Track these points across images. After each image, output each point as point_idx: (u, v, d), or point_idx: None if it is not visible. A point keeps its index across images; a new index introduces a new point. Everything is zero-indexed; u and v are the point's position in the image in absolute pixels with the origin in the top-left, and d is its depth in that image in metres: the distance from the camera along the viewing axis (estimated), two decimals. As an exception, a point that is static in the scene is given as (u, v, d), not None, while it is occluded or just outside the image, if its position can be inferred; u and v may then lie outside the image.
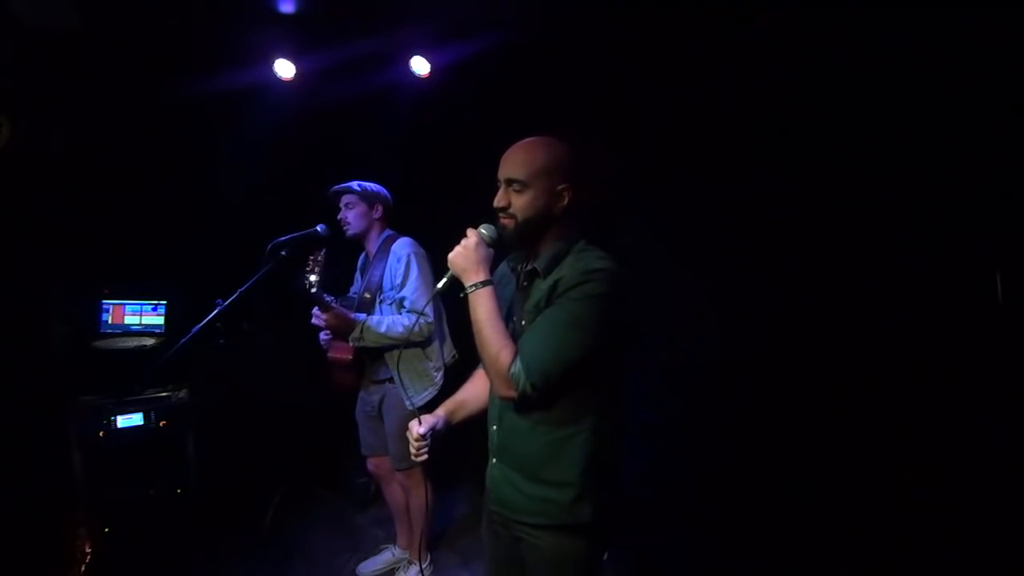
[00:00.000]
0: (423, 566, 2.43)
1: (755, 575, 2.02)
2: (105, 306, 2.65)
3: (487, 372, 1.21)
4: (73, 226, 2.65)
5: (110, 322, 2.65)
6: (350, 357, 2.20)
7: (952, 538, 1.55)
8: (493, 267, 1.34)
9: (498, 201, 1.22)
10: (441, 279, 1.26)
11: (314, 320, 2.13)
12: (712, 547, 2.16)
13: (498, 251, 1.27)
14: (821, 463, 1.85)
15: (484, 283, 1.19)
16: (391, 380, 2.26)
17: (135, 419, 2.47)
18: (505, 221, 1.22)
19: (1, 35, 2.30)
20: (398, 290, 2.19)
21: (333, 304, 2.10)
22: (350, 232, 2.29)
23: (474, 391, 1.42)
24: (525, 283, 1.26)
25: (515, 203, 1.20)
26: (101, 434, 2.40)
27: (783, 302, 1.95)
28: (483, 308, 1.18)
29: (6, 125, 2.38)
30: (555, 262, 1.20)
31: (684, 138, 2.23)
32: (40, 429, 2.38)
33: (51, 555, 2.28)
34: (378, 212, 2.33)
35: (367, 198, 2.30)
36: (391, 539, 2.62)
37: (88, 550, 2.30)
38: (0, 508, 2.22)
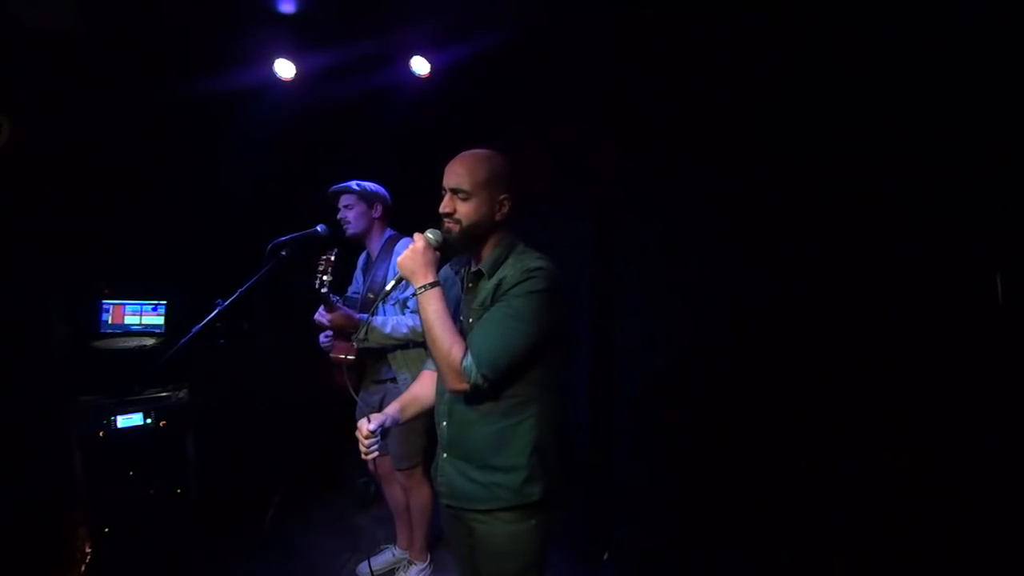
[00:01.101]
0: (423, 566, 2.43)
1: (754, 575, 2.03)
2: (105, 306, 2.65)
3: (439, 368, 1.30)
4: (73, 226, 2.65)
5: (110, 322, 2.65)
6: (352, 357, 2.21)
7: (952, 539, 1.55)
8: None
9: (443, 207, 1.32)
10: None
11: (319, 320, 2.13)
12: (710, 546, 2.16)
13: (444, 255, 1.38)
14: (820, 463, 1.85)
15: (432, 284, 1.29)
16: (392, 380, 2.26)
17: (135, 419, 2.47)
18: (450, 225, 1.32)
19: (1, 35, 2.30)
20: (402, 291, 2.19)
21: (338, 304, 2.11)
22: (350, 232, 2.30)
23: (425, 388, 1.51)
24: (471, 284, 1.37)
25: (460, 210, 1.30)
26: (101, 434, 2.40)
27: (780, 301, 1.95)
28: (432, 308, 1.27)
29: (6, 125, 2.38)
30: (498, 264, 1.32)
31: (682, 129, 2.23)
32: (40, 429, 2.38)
33: (51, 555, 2.28)
34: (377, 211, 2.33)
35: (366, 198, 2.31)
36: (391, 539, 2.62)
37: (88, 550, 2.30)
38: (0, 508, 2.22)
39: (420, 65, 2.82)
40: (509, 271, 1.28)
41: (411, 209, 2.49)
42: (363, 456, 1.37)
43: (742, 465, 2.07)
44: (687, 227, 2.25)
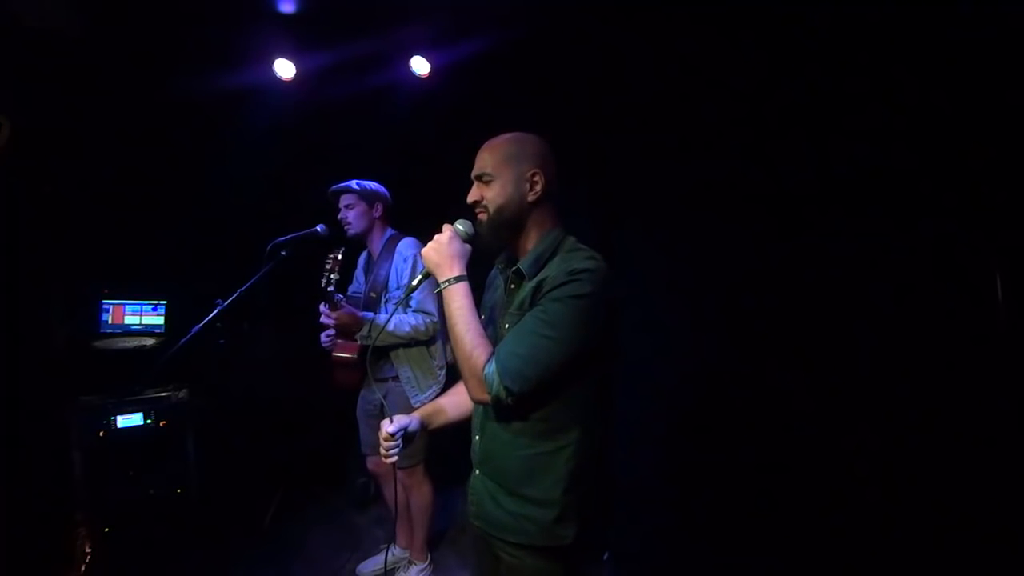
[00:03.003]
0: (423, 566, 2.43)
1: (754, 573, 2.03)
2: (105, 306, 2.64)
3: (461, 372, 1.14)
4: (73, 226, 2.65)
5: (110, 322, 2.65)
6: (355, 356, 2.21)
7: (952, 539, 1.55)
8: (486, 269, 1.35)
9: (471, 197, 1.21)
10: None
11: (323, 319, 2.13)
12: (711, 546, 2.16)
13: (479, 249, 1.26)
14: (821, 464, 1.85)
15: (458, 278, 1.16)
16: (395, 378, 2.27)
17: (135, 419, 2.47)
18: (480, 215, 1.21)
19: (1, 35, 2.30)
20: (403, 290, 2.20)
21: (342, 303, 2.11)
22: (351, 232, 2.30)
23: (454, 399, 1.37)
24: (512, 285, 1.22)
25: (486, 195, 1.19)
26: (101, 434, 2.40)
27: (780, 300, 1.95)
28: (457, 304, 1.13)
29: (6, 125, 2.38)
30: (541, 262, 1.17)
31: (681, 129, 2.23)
32: (40, 429, 2.37)
33: (51, 555, 2.27)
34: (378, 211, 2.33)
35: (366, 197, 2.31)
36: (391, 539, 2.62)
37: (88, 550, 2.30)
38: (0, 508, 2.22)
39: (420, 65, 2.82)
40: (553, 271, 1.11)
41: (412, 208, 2.50)
42: (383, 459, 1.25)
43: (743, 465, 2.07)
44: (687, 226, 2.25)
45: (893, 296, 1.68)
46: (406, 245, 2.27)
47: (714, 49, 2.08)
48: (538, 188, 1.18)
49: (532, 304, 1.11)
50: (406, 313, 2.19)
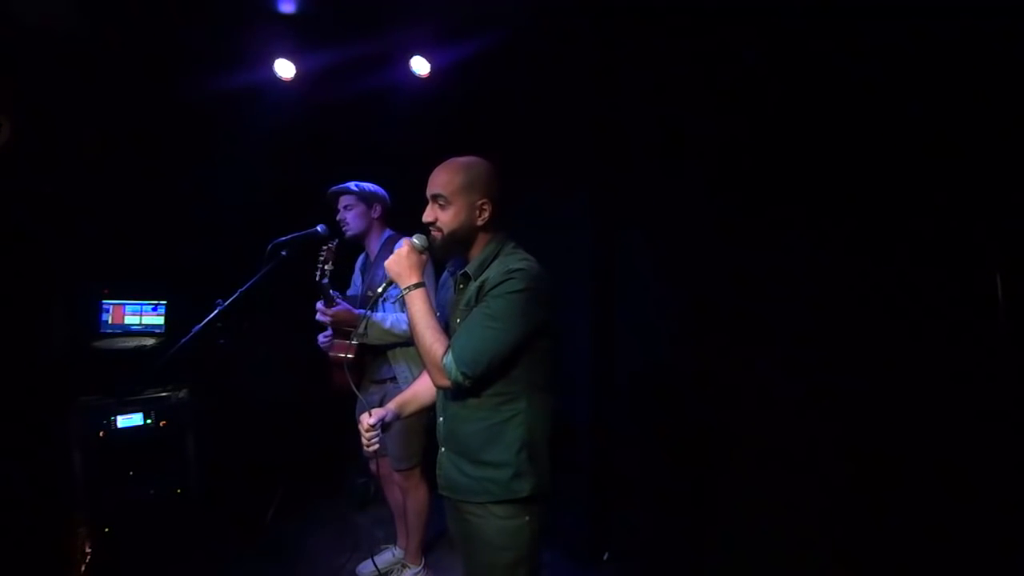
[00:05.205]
0: (418, 569, 2.43)
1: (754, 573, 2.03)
2: (105, 306, 2.65)
3: (424, 364, 1.35)
4: (73, 226, 2.65)
5: (110, 322, 2.65)
6: (352, 356, 2.20)
7: (951, 539, 1.55)
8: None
9: (426, 217, 1.38)
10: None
11: (319, 316, 2.13)
12: (711, 546, 2.16)
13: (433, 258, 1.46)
14: (821, 463, 1.85)
15: (416, 285, 1.36)
16: (392, 379, 2.26)
17: (135, 419, 2.47)
18: (435, 234, 1.38)
19: (1, 35, 2.30)
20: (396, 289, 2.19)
21: (338, 299, 2.11)
22: (350, 232, 2.30)
23: (425, 386, 1.55)
24: (460, 286, 1.42)
25: (441, 218, 1.36)
26: (101, 434, 2.40)
27: (780, 299, 1.95)
28: (416, 307, 1.34)
29: (6, 125, 2.38)
30: (484, 266, 1.37)
31: (682, 129, 2.23)
32: (40, 429, 2.37)
33: (51, 555, 2.28)
34: (377, 212, 2.33)
35: (365, 198, 2.31)
36: (391, 539, 2.62)
37: (88, 550, 2.30)
38: (0, 508, 2.22)
39: (420, 65, 2.82)
40: (492, 272, 1.33)
41: (410, 209, 2.49)
42: (364, 449, 1.42)
43: (743, 465, 2.07)
44: (687, 226, 2.25)
45: (892, 296, 1.68)
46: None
47: (712, 49, 2.08)
48: (486, 215, 1.37)
49: (478, 301, 1.32)
50: (404, 312, 2.19)
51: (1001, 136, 1.47)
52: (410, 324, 1.36)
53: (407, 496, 2.35)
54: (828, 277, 1.83)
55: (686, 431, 2.26)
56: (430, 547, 2.59)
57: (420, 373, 2.24)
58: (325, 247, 2.03)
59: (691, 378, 2.24)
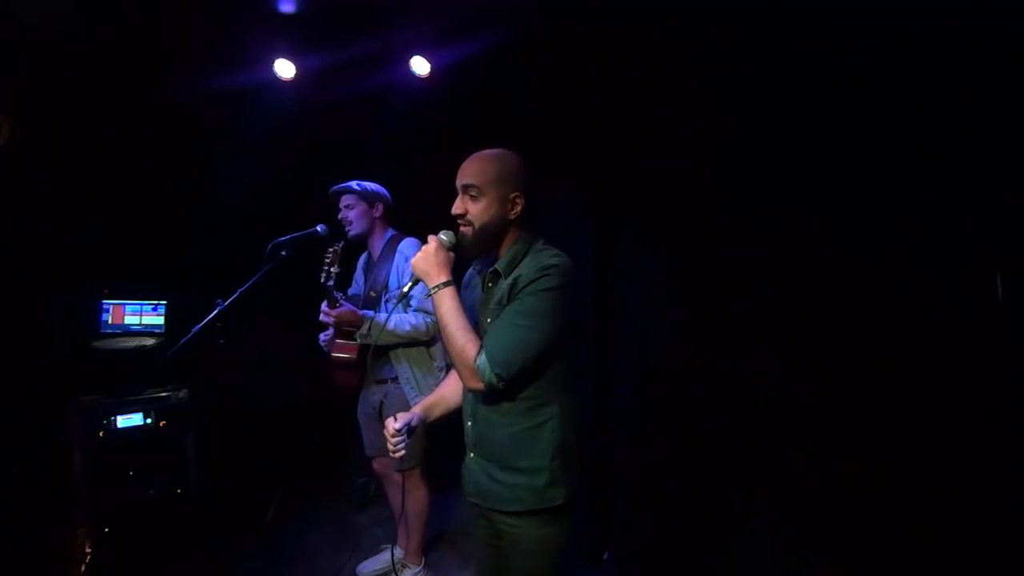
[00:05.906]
0: (418, 569, 2.43)
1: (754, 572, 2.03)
2: (105, 306, 2.64)
3: (455, 366, 1.29)
4: (73, 226, 2.65)
5: (110, 322, 2.65)
6: (354, 356, 2.20)
7: (951, 539, 1.55)
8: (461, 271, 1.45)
9: (455, 208, 1.32)
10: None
11: (322, 317, 2.13)
12: (711, 546, 2.16)
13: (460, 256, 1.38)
14: (821, 463, 1.85)
15: (446, 283, 1.29)
16: (394, 379, 2.26)
17: (135, 419, 2.47)
18: (464, 229, 1.32)
19: (1, 35, 2.30)
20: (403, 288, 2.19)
21: (341, 300, 2.11)
22: (352, 232, 2.30)
23: (451, 388, 1.49)
24: (490, 284, 1.36)
25: (471, 210, 1.30)
26: (101, 434, 2.40)
27: (779, 299, 1.95)
28: (446, 306, 1.28)
29: (6, 125, 2.38)
30: (514, 263, 1.31)
31: (683, 129, 2.23)
32: (40, 429, 2.37)
33: (51, 555, 2.27)
34: (378, 211, 2.33)
35: (367, 197, 2.31)
36: (391, 539, 2.62)
37: (88, 550, 2.30)
38: (0, 508, 2.22)
39: (420, 65, 2.82)
40: (525, 269, 1.27)
41: (412, 208, 2.50)
42: (391, 455, 1.36)
43: (744, 464, 2.07)
44: (687, 227, 2.25)
45: (892, 296, 1.68)
46: (407, 245, 2.27)
47: (710, 48, 2.08)
48: (519, 209, 1.32)
49: (510, 299, 1.26)
50: (406, 312, 2.19)
51: (993, 135, 1.47)
52: (440, 324, 1.29)
53: (407, 496, 2.35)
54: (827, 277, 1.83)
55: (686, 431, 2.26)
56: (430, 547, 2.60)
57: (421, 373, 2.27)
58: (331, 249, 2.03)
59: (690, 378, 2.24)
